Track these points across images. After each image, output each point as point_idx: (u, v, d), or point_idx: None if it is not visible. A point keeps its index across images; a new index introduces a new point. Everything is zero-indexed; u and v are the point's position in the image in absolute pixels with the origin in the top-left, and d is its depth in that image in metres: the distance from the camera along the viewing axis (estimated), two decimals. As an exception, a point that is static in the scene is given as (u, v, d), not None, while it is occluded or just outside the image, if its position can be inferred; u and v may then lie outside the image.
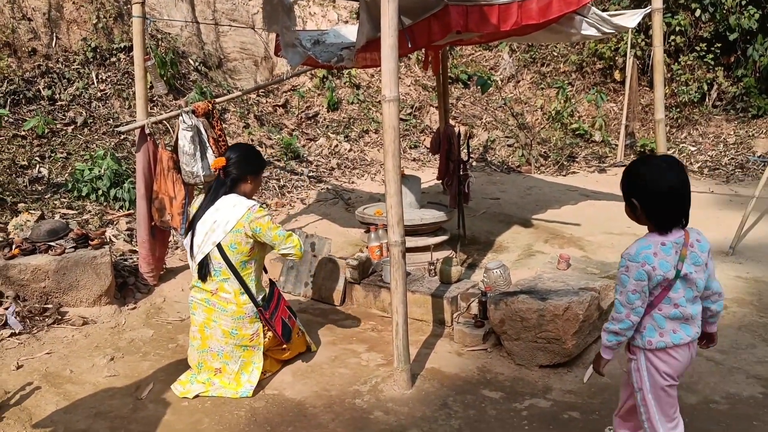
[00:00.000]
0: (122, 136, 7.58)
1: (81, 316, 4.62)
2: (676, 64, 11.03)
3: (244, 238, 3.62)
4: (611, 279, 4.62)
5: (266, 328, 3.78)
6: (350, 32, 5.61)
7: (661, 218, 2.36)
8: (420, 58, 10.25)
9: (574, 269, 4.75)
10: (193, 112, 5.26)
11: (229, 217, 3.64)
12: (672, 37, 10.88)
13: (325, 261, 5.15)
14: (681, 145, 10.25)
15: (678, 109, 10.95)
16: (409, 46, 4.15)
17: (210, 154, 5.30)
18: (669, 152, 9.83)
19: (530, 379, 3.76)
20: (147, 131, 5.03)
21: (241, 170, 3.79)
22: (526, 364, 3.90)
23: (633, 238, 6.19)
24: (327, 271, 5.11)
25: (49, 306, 4.62)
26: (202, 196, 3.88)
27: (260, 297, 3.79)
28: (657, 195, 2.30)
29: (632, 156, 9.99)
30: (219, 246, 3.63)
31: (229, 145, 5.66)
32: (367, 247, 5.34)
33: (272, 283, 4.03)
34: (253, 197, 3.88)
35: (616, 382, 3.67)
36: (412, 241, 5.45)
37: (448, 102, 7.22)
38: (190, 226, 3.80)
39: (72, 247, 4.77)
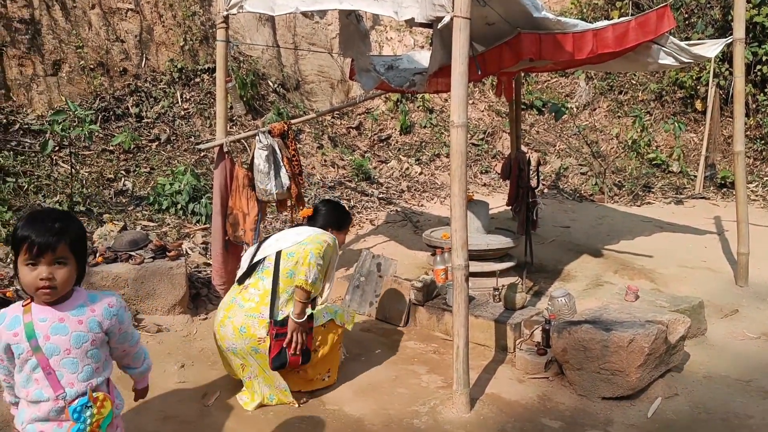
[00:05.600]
0: (202, 154, 7.90)
1: (156, 324, 4.82)
2: (761, 95, 10.66)
3: (301, 254, 3.69)
4: (681, 312, 4.50)
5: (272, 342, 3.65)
6: (423, 58, 5.71)
7: None
8: (494, 83, 10.25)
9: (642, 301, 4.66)
10: (269, 132, 5.45)
11: (305, 233, 3.78)
12: (758, 67, 10.54)
13: (390, 281, 5.21)
14: (765, 179, 9.87)
15: (763, 141, 10.56)
16: (479, 73, 4.19)
17: (284, 173, 5.46)
18: (751, 185, 9.50)
19: (591, 411, 3.70)
20: (225, 149, 5.24)
21: (326, 220, 3.98)
22: (588, 394, 3.84)
23: (707, 272, 6.07)
24: (392, 292, 5.17)
25: (127, 313, 4.84)
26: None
27: (282, 315, 3.67)
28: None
29: (712, 188, 9.68)
30: (279, 252, 3.72)
31: (301, 164, 5.86)
32: (432, 270, 5.38)
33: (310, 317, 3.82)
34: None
35: (682, 419, 3.59)
36: (478, 266, 5.46)
37: (520, 128, 7.21)
38: (262, 241, 3.94)
39: (150, 258, 5.00)
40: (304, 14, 11.12)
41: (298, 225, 4.08)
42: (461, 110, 3.62)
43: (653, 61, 5.46)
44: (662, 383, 3.89)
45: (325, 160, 8.94)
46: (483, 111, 11.06)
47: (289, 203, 5.72)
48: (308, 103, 10.43)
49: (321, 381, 3.93)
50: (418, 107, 10.66)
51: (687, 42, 5.48)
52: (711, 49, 5.39)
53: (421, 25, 3.95)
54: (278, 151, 5.45)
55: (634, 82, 11.73)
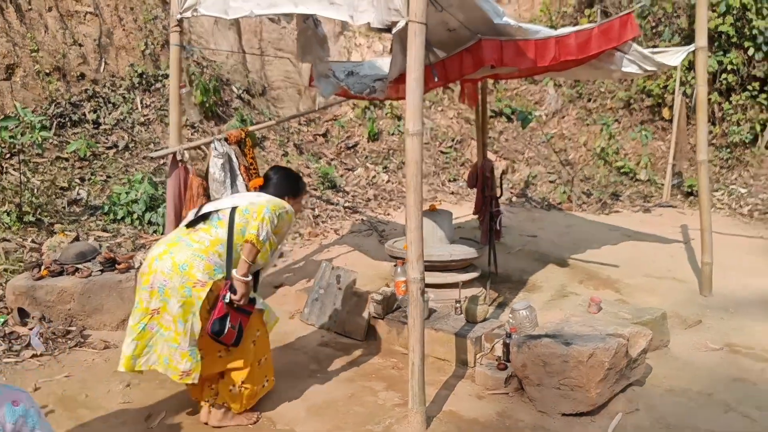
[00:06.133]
0: (161, 161, 7.69)
1: (103, 340, 4.63)
2: (727, 103, 10.72)
3: (255, 214, 3.47)
4: (644, 324, 4.41)
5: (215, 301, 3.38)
6: (385, 64, 5.58)
7: None
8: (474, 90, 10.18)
9: (605, 313, 4.57)
10: (226, 139, 5.29)
11: (264, 196, 3.60)
12: (724, 76, 10.59)
13: (350, 294, 5.07)
14: (731, 187, 9.90)
15: (729, 150, 10.61)
16: (436, 80, 4.07)
17: (240, 182, 5.30)
18: (717, 193, 9.52)
19: (551, 428, 3.60)
20: (179, 157, 5.06)
21: (279, 190, 3.72)
22: (548, 411, 3.73)
23: (673, 282, 6.01)
24: (351, 305, 5.02)
25: (73, 328, 4.65)
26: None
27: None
28: None
29: (679, 196, 9.69)
30: (234, 208, 3.52)
31: (259, 173, 5.69)
32: (393, 282, 5.24)
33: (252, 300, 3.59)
34: None
35: (641, 437, 3.50)
36: (441, 277, 5.34)
37: (487, 136, 7.12)
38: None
39: (99, 271, 4.81)
40: (272, 20, 10.98)
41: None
42: (417, 118, 3.49)
43: (617, 69, 5.40)
44: (623, 398, 3.80)
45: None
46: (452, 118, 10.98)
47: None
48: (274, 109, 10.25)
49: (262, 388, 3.70)
50: (386, 114, 10.54)
51: (650, 50, 5.42)
52: (674, 57, 5.35)
53: (379, 30, 3.82)
54: (235, 159, 5.29)
55: (603, 90, 11.74)
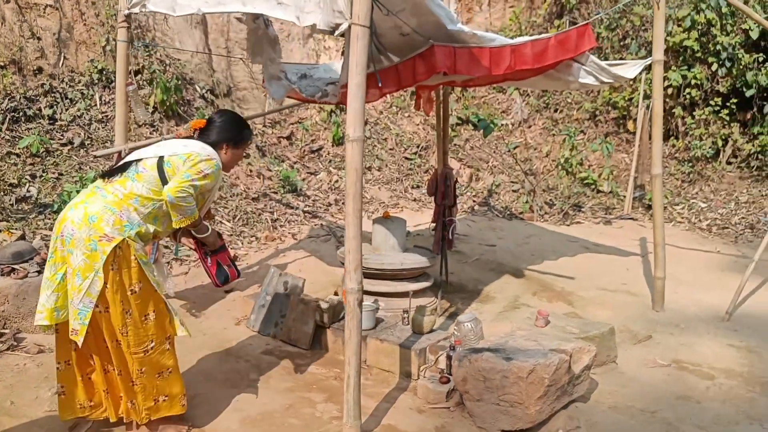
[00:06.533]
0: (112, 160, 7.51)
1: (37, 344, 4.46)
2: (690, 117, 10.80)
3: (179, 165, 3.31)
4: (591, 339, 4.37)
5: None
6: (341, 67, 5.49)
7: None
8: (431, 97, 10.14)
9: (552, 327, 4.51)
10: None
11: (191, 146, 3.39)
12: (687, 90, 10.67)
13: (296, 302, 4.95)
14: (691, 201, 9.96)
15: (690, 164, 10.69)
16: (379, 85, 3.99)
17: (188, 184, 5.18)
18: (678, 207, 9.57)
19: (489, 445, 3.52)
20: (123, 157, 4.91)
21: (220, 135, 3.52)
22: (487, 427, 3.66)
23: (626, 296, 5.99)
24: (298, 313, 4.91)
25: (6, 331, 4.48)
26: None
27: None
28: None
29: (640, 209, 9.72)
30: (161, 158, 3.31)
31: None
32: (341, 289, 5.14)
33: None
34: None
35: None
36: (392, 286, 5.26)
37: (448, 143, 7.05)
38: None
39: (36, 272, 4.65)
40: (239, 19, 10.82)
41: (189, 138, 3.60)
42: (357, 123, 3.40)
43: (574, 80, 5.37)
44: (564, 415, 3.73)
45: (251, 171, 8.62)
46: (418, 124, 10.91)
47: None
48: (240, 110, 10.07)
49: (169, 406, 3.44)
50: (351, 119, 10.43)
51: (607, 62, 5.40)
52: (631, 70, 5.34)
53: (324, 32, 3.72)
54: (183, 161, 5.16)
55: (570, 101, 11.77)
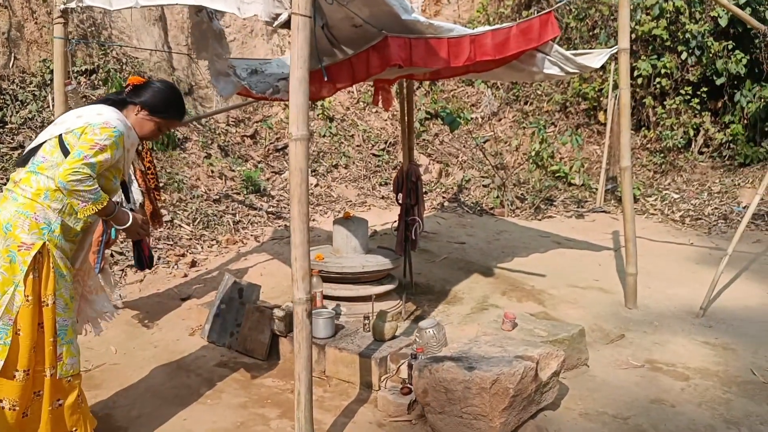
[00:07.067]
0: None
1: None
2: (661, 107, 10.68)
3: (76, 142, 2.94)
4: (560, 342, 4.17)
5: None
6: (294, 62, 5.24)
7: None
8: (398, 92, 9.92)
9: (520, 330, 4.30)
10: (120, 142, 4.87)
11: (86, 115, 3.01)
12: (658, 80, 10.55)
13: (252, 310, 4.70)
14: (664, 192, 9.84)
15: (662, 155, 10.57)
16: (325, 79, 3.74)
17: (135, 188, 4.90)
18: (651, 199, 9.43)
19: (452, 461, 3.30)
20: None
21: (145, 98, 3.15)
22: (450, 441, 3.44)
23: (598, 293, 5.80)
24: (253, 321, 4.65)
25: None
26: None
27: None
28: None
29: (613, 201, 9.57)
30: (60, 138, 2.97)
31: (158, 177, 5.28)
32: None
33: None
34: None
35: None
36: (353, 290, 5.05)
37: (413, 139, 6.83)
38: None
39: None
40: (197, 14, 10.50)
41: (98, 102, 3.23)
42: (301, 121, 3.16)
43: (538, 71, 5.18)
44: (532, 425, 3.53)
45: (212, 171, 8.33)
46: (386, 120, 10.67)
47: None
48: (201, 109, 9.78)
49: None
50: (317, 115, 10.17)
51: (572, 51, 5.21)
52: (596, 59, 5.14)
53: (267, 23, 3.46)
54: (129, 163, 4.88)
55: (540, 93, 11.61)
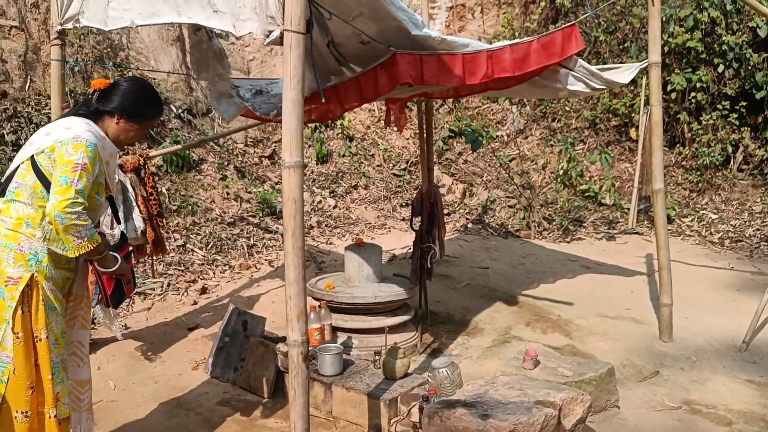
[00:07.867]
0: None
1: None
2: (696, 123, 10.22)
3: (50, 163, 2.72)
4: (586, 383, 3.81)
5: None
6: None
7: None
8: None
9: (543, 368, 3.95)
10: (121, 167, 4.67)
11: (55, 132, 2.78)
12: (693, 94, 10.10)
13: (256, 344, 4.42)
14: (701, 212, 9.35)
15: (699, 173, 10.08)
16: (323, 100, 3.47)
17: (137, 215, 4.70)
18: (687, 219, 8.99)
19: None
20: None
21: (117, 103, 2.90)
22: (462, 498, 3.10)
23: (630, 324, 5.40)
24: (257, 356, 4.38)
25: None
26: None
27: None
28: None
29: (646, 222, 9.12)
30: (33, 160, 2.74)
31: (160, 204, 5.06)
32: (309, 328, 4.61)
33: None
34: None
35: None
36: (366, 321, 4.75)
37: (432, 159, 6.53)
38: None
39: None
40: (218, 35, 10.39)
41: (73, 115, 2.94)
42: (295, 146, 2.90)
43: (562, 87, 4.87)
44: (555, 480, 3.17)
45: (228, 193, 8.12)
46: (408, 139, 10.40)
47: (147, 249, 4.95)
48: (221, 130, 9.61)
49: None
50: (337, 135, 9.94)
51: (599, 66, 4.88)
52: (625, 74, 4.80)
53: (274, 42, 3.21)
54: (131, 189, 4.69)
55: (568, 109, 11.22)
